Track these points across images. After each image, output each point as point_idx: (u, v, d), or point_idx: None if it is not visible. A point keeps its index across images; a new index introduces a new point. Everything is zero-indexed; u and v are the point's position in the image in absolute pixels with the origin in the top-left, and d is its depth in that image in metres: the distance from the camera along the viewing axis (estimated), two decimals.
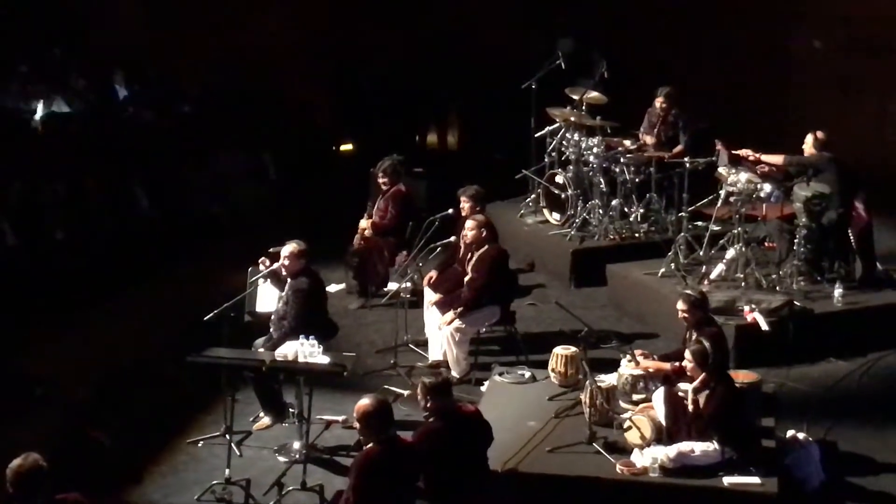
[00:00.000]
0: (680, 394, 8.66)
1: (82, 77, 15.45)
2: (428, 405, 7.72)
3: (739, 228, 11.31)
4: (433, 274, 11.16)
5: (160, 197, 14.30)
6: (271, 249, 9.86)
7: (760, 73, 14.66)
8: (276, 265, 9.65)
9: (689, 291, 9.37)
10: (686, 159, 12.20)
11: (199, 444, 9.42)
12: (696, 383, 8.35)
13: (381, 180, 12.31)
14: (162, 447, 9.41)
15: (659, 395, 8.66)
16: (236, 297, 9.51)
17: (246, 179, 15.67)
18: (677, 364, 8.88)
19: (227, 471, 8.71)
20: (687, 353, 8.48)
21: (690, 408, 8.34)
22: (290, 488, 8.62)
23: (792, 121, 14.03)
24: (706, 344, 8.55)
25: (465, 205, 11.26)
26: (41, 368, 10.46)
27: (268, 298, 9.93)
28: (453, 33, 17.36)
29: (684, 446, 8.22)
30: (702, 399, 8.32)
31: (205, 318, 9.11)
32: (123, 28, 16.26)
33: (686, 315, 9.07)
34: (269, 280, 9.84)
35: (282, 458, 9.17)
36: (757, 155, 11.45)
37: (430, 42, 17.51)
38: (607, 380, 9.17)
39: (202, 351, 8.92)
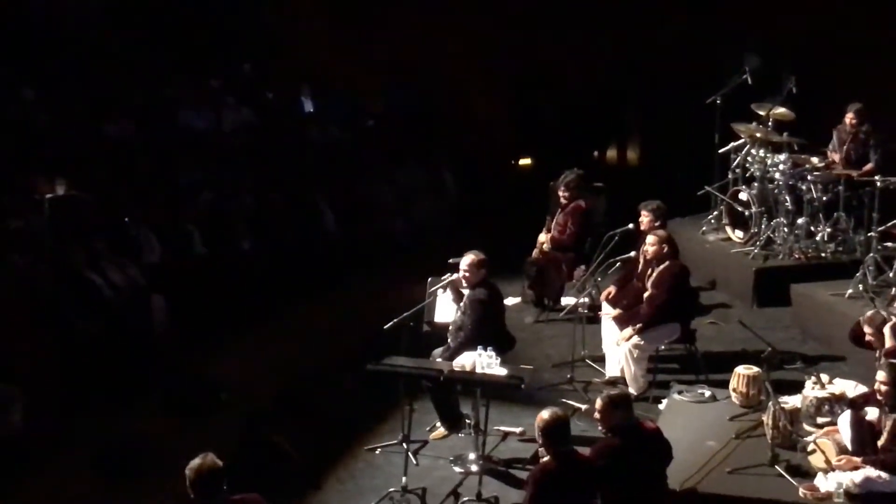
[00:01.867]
0: (867, 418, 8.39)
1: (270, 91, 15.84)
2: (607, 420, 7.64)
3: None
4: (612, 289, 11.07)
5: (344, 211, 14.53)
6: (452, 260, 9.93)
7: None
8: (455, 275, 9.71)
9: (870, 313, 9.08)
10: (877, 178, 11.83)
11: (377, 452, 9.54)
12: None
13: (562, 194, 12.29)
14: (340, 454, 9.56)
15: (845, 418, 8.41)
16: (415, 307, 9.60)
17: (426, 194, 15.81)
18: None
19: (403, 479, 8.79)
20: (879, 374, 8.18)
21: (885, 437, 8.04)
22: (466, 499, 8.67)
23: None
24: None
25: (644, 219, 11.17)
26: (226, 374, 10.73)
27: (446, 309, 9.97)
28: (636, 48, 17.23)
29: (871, 471, 7.95)
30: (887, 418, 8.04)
31: (384, 328, 9.21)
32: (310, 45, 16.62)
33: (872, 338, 8.78)
34: (448, 291, 9.89)
35: (457, 469, 9.20)
36: None
37: (613, 56, 17.42)
38: (791, 401, 8.96)
39: (381, 360, 9.02)
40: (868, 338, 8.91)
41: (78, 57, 15.01)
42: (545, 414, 7.28)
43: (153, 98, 14.88)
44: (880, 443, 8.10)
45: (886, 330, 8.76)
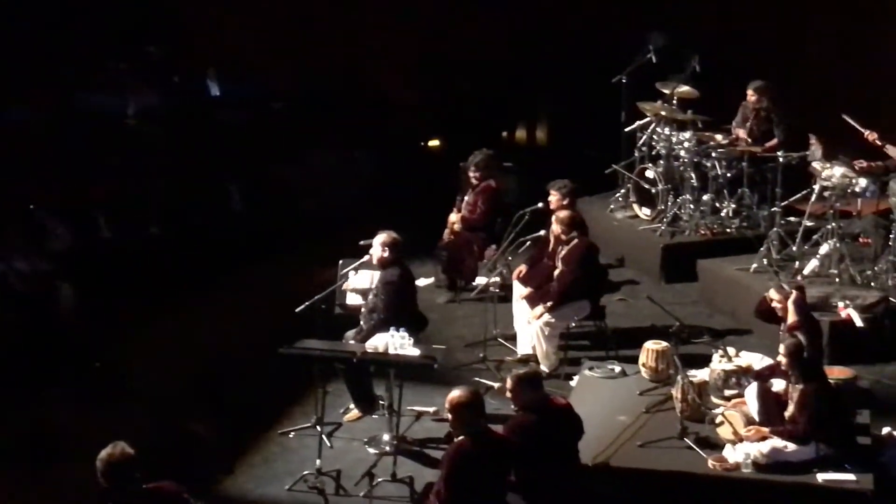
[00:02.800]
0: (773, 389, 8.58)
1: (177, 74, 15.65)
2: (519, 398, 7.71)
3: (834, 223, 11.14)
4: (523, 268, 11.15)
5: (253, 194, 14.44)
6: (362, 243, 9.91)
7: (857, 68, 14.39)
8: (366, 257, 9.70)
9: (784, 286, 9.26)
10: (780, 154, 12.03)
11: (291, 436, 9.52)
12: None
13: (472, 174, 12.34)
14: (254, 438, 9.52)
15: (752, 390, 8.58)
16: (327, 290, 9.58)
17: (338, 176, 15.75)
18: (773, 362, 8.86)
19: (318, 461, 8.78)
20: (781, 348, 8.37)
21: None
22: (381, 479, 8.66)
23: (890, 118, 13.75)
24: (801, 339, 8.45)
25: (553, 198, 11.26)
26: (134, 361, 10.64)
27: (358, 291, 9.96)
28: (542, 28, 17.30)
29: (778, 442, 8.12)
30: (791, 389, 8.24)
31: (296, 310, 9.19)
32: (217, 26, 16.42)
33: (780, 307, 8.95)
34: (359, 273, 9.88)
35: (372, 450, 9.23)
36: (882, 142, 11.24)
37: (519, 37, 17.47)
38: (699, 375, 9.11)
39: (294, 343, 8.99)
40: (778, 309, 9.06)
41: None
42: (456, 392, 7.32)
43: (57, 81, 14.61)
44: (787, 414, 8.27)
45: (790, 304, 8.95)
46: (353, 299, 10.02)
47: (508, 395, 7.81)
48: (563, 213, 10.70)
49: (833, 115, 13.46)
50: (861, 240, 11.65)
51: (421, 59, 17.50)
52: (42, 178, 12.76)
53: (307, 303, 9.19)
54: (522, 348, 10.67)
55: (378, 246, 9.60)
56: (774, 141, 12.69)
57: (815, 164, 11.47)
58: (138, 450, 6.64)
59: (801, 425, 8.11)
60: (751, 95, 12.88)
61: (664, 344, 9.53)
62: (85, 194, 12.87)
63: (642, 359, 9.72)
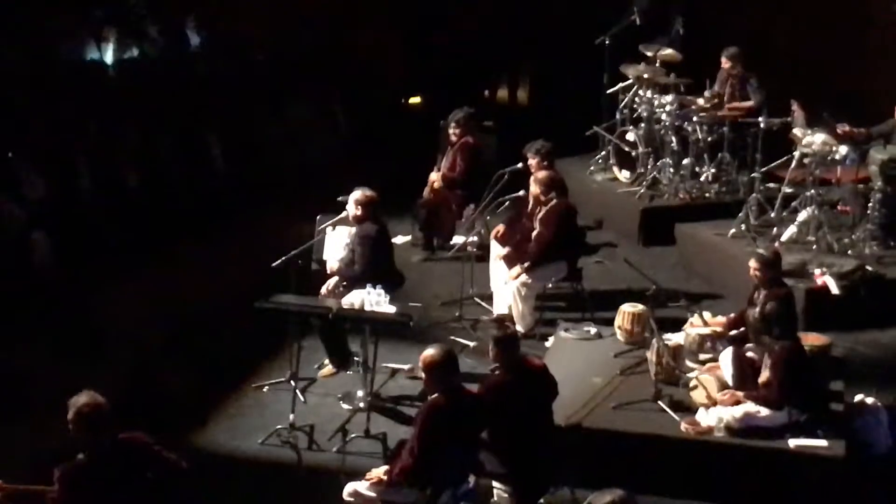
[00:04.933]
0: (748, 354, 8.60)
1: (155, 24, 15.48)
2: (496, 357, 7.70)
3: (813, 191, 11.15)
4: (501, 228, 11.13)
5: (232, 147, 14.34)
6: (340, 199, 9.88)
7: (839, 35, 14.36)
8: (343, 213, 9.67)
9: (761, 250, 9.25)
10: (761, 119, 12.01)
11: (265, 390, 9.52)
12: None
13: (452, 131, 12.29)
14: (228, 391, 9.53)
15: (726, 354, 8.60)
16: (304, 245, 9.54)
17: (317, 131, 15.66)
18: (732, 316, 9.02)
19: (291, 416, 8.80)
20: (751, 262, 8.69)
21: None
22: (354, 435, 8.71)
23: (871, 84, 13.74)
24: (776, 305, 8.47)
25: (531, 161, 11.21)
26: (111, 311, 10.58)
27: (335, 247, 9.92)
28: None
29: (751, 407, 8.15)
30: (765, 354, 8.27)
31: (273, 265, 9.15)
32: None
33: (758, 273, 8.95)
34: (337, 229, 9.84)
35: (345, 406, 9.23)
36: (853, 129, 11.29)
37: None
38: (674, 338, 9.12)
39: (270, 298, 8.96)
40: (753, 272, 9.05)
41: None
42: (430, 351, 7.30)
43: (34, 30, 14.44)
44: (760, 379, 8.29)
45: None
46: (329, 254, 9.95)
47: (489, 353, 7.79)
48: (542, 174, 10.67)
49: (816, 81, 13.52)
50: (839, 207, 11.66)
51: (400, 14, 17.38)
52: (20, 127, 12.62)
53: (284, 258, 9.15)
54: (498, 308, 10.67)
55: (352, 203, 9.57)
56: (749, 103, 12.63)
57: (796, 131, 11.45)
58: (111, 400, 6.60)
59: (773, 389, 8.13)
60: (725, 62, 12.82)
61: (640, 307, 9.53)
62: (64, 144, 12.73)
63: (618, 321, 9.72)
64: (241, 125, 14.67)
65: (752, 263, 8.96)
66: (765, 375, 8.25)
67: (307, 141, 15.34)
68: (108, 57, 14.60)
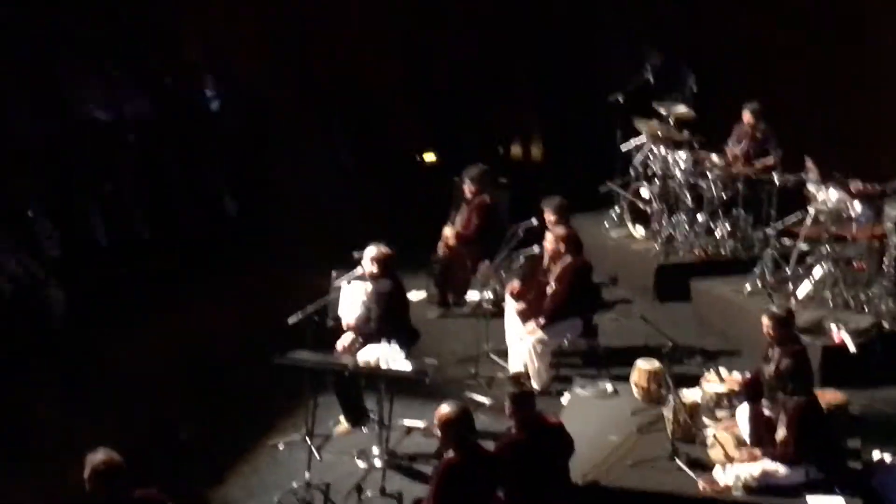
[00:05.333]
0: (765, 412, 8.56)
1: (173, 80, 15.61)
2: (511, 415, 7.69)
3: (828, 247, 11.13)
4: (516, 284, 11.12)
5: (246, 200, 14.41)
6: (355, 254, 9.89)
7: (853, 92, 14.42)
8: (359, 269, 9.68)
9: (774, 308, 9.24)
10: (775, 176, 12.03)
11: (280, 447, 9.48)
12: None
13: (467, 188, 12.33)
14: (244, 448, 9.50)
15: (743, 412, 8.57)
16: (319, 300, 9.55)
17: (332, 185, 15.72)
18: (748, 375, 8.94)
19: (307, 474, 8.76)
20: (764, 319, 8.56)
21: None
22: (369, 494, 8.66)
23: (885, 140, 13.77)
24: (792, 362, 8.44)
25: (549, 217, 11.23)
26: (126, 365, 10.60)
27: (351, 303, 9.92)
28: (541, 45, 17.33)
29: (769, 465, 8.11)
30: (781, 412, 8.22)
31: (289, 321, 9.16)
32: (211, 34, 16.37)
33: (770, 332, 8.93)
34: (352, 284, 9.85)
35: (361, 463, 9.19)
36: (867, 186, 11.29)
37: (517, 53, 17.51)
38: (690, 396, 9.09)
39: (286, 352, 8.96)
40: (766, 330, 9.03)
41: None
42: (446, 408, 7.29)
43: (53, 86, 14.58)
44: (777, 437, 8.25)
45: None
46: (345, 311, 9.94)
47: (500, 411, 7.78)
48: (559, 231, 10.68)
49: (829, 138, 13.55)
50: (855, 264, 11.62)
51: (417, 71, 17.50)
52: (36, 182, 12.73)
53: (300, 313, 9.16)
54: (514, 365, 10.64)
55: (368, 259, 9.59)
56: (770, 159, 12.67)
57: (811, 188, 11.46)
58: (125, 454, 6.61)
59: (790, 447, 8.09)
60: (746, 117, 12.88)
61: (656, 364, 9.52)
62: (78, 198, 12.84)
63: (634, 378, 9.71)
64: (254, 177, 14.75)
65: (765, 321, 8.94)
66: (781, 433, 8.21)
67: (322, 193, 15.41)
68: (126, 112, 14.72)
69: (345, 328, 9.81)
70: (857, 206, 11.07)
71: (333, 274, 10.05)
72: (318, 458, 9.22)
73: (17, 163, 12.88)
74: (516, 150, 18.13)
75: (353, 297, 9.87)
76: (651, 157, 13.09)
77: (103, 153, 13.80)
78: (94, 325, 11.18)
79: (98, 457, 6.55)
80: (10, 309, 10.70)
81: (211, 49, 16.24)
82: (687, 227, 12.64)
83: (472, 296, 11.81)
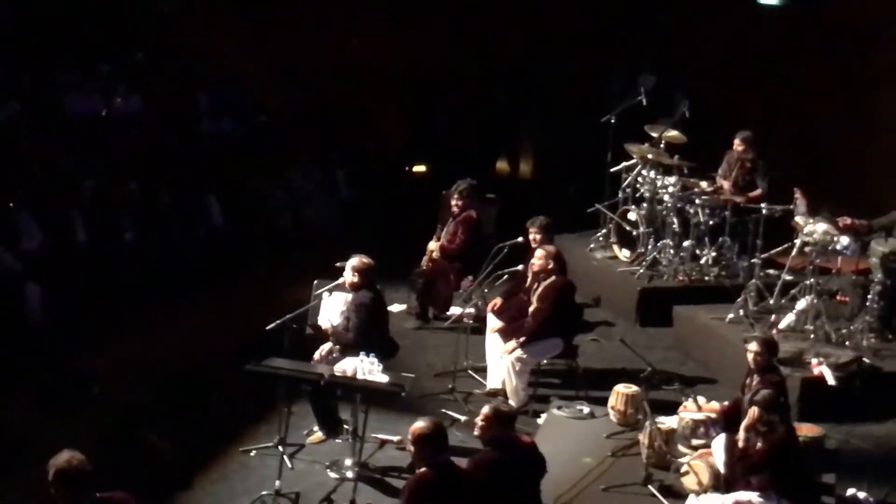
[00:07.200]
0: (740, 443, 8.50)
1: (163, 81, 15.57)
2: (484, 433, 7.62)
3: (812, 279, 11.10)
4: (498, 301, 11.08)
5: (232, 207, 14.35)
6: (338, 264, 9.84)
7: (844, 125, 14.43)
8: (341, 279, 9.63)
9: (762, 334, 9.21)
10: (763, 205, 12.01)
11: (252, 454, 9.40)
12: (747, 421, 8.10)
13: (454, 202, 12.29)
14: (214, 454, 9.40)
15: (719, 441, 8.51)
16: (299, 309, 9.49)
17: (318, 195, 15.68)
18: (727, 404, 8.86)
19: (277, 482, 8.68)
20: (758, 397, 8.27)
21: (741, 445, 8.12)
22: None
23: (872, 176, 13.79)
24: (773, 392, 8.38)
25: (532, 235, 11.20)
26: (102, 367, 10.51)
27: (330, 312, 9.86)
28: (533, 62, 17.34)
29: (742, 496, 8.03)
30: (758, 442, 8.14)
31: (266, 328, 9.09)
32: (205, 37, 16.35)
33: (758, 358, 8.87)
34: (333, 294, 9.80)
35: (333, 474, 9.12)
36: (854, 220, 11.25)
37: (509, 69, 17.51)
38: (667, 422, 9.05)
39: (262, 360, 8.89)
40: (753, 356, 8.96)
41: None
42: (420, 423, 7.23)
43: (43, 81, 14.52)
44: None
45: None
46: (324, 320, 9.89)
47: (477, 429, 7.70)
48: (546, 249, 10.63)
49: (817, 171, 13.54)
50: (839, 297, 11.61)
51: (408, 82, 17.49)
52: (21, 177, 12.64)
53: (278, 321, 9.09)
54: (492, 382, 10.59)
55: (349, 270, 9.55)
56: (758, 192, 12.67)
57: (798, 219, 11.43)
58: (93, 458, 6.52)
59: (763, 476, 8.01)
60: (738, 145, 12.87)
61: (635, 388, 9.48)
62: (63, 196, 12.75)
63: (611, 401, 9.66)
64: (241, 186, 14.68)
65: (754, 347, 8.90)
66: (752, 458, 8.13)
67: (308, 203, 15.36)
68: (114, 111, 14.66)
69: (323, 336, 9.75)
70: (843, 240, 11.03)
71: (315, 283, 9.99)
72: (290, 466, 9.15)
73: (2, 155, 12.81)
74: (503, 165, 18.14)
75: (333, 307, 9.81)
76: (640, 181, 13.05)
77: (89, 148, 13.71)
78: (70, 324, 11.07)
79: (62, 458, 6.42)
80: None
81: (206, 53, 16.22)
82: (672, 252, 12.61)
83: (454, 310, 11.74)
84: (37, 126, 13.68)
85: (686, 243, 12.62)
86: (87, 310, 11.25)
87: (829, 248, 11.07)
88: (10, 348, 10.36)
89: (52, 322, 11.07)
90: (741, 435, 8.12)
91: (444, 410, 10.12)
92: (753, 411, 8.09)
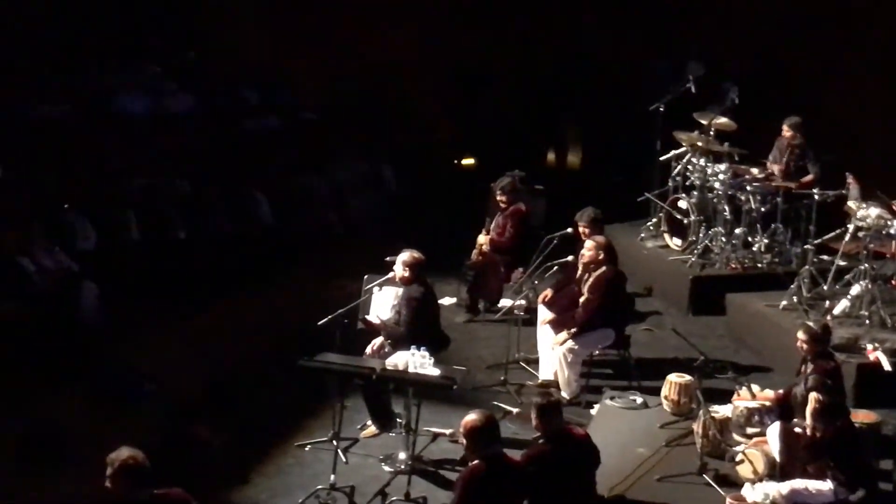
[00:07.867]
0: (796, 430, 8.44)
1: (212, 79, 15.67)
2: (537, 426, 7.62)
3: (866, 264, 10.99)
4: (549, 292, 11.06)
5: (281, 203, 14.43)
6: (388, 259, 9.87)
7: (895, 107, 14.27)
8: (391, 273, 9.66)
9: (811, 323, 9.13)
10: (815, 191, 11.90)
11: (307, 449, 9.45)
12: (812, 406, 8.04)
13: (499, 198, 12.28)
14: (269, 449, 9.46)
15: (774, 429, 8.45)
16: (350, 304, 9.53)
17: (365, 189, 15.73)
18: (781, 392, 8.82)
19: (332, 476, 8.72)
20: (799, 333, 8.35)
21: (808, 433, 8.06)
22: (394, 498, 8.62)
23: None
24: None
25: (583, 229, 11.16)
26: (156, 364, 10.60)
27: (381, 307, 9.89)
28: (577, 51, 17.28)
29: (798, 483, 7.99)
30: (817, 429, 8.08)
31: (318, 323, 9.13)
32: (251, 33, 16.43)
33: (805, 346, 8.83)
34: (383, 289, 9.83)
35: (387, 468, 9.14)
36: None
37: (554, 59, 17.45)
38: (721, 411, 8.99)
39: (314, 355, 8.93)
40: (800, 344, 8.93)
41: (11, 37, 14.76)
42: (472, 416, 7.24)
43: (90, 81, 14.65)
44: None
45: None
46: (375, 315, 9.93)
47: (527, 420, 7.71)
48: (596, 240, 10.60)
49: (873, 153, 13.39)
50: (893, 282, 11.48)
51: (455, 75, 17.47)
52: (74, 177, 12.79)
53: (330, 316, 9.13)
54: (544, 373, 10.58)
55: (400, 264, 9.57)
56: (809, 177, 12.57)
57: (851, 203, 11.33)
58: (150, 454, 6.59)
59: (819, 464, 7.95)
60: (786, 131, 12.77)
61: (687, 377, 9.43)
62: (115, 195, 12.89)
63: (665, 391, 9.62)
64: (289, 181, 14.76)
65: (800, 335, 8.86)
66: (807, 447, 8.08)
67: (355, 198, 15.41)
68: (164, 110, 14.77)
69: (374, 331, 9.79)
70: None
71: (365, 278, 10.03)
72: (345, 460, 9.18)
73: (56, 156, 12.96)
74: (552, 157, 18.08)
75: (384, 302, 9.84)
76: (690, 169, 12.97)
77: (141, 149, 13.84)
78: (125, 322, 11.18)
79: (122, 453, 6.51)
80: (43, 302, 10.71)
81: (253, 51, 16.31)
82: (724, 239, 12.52)
83: (505, 302, 11.73)
84: (88, 126, 13.81)
85: (738, 231, 12.53)
86: (140, 308, 11.34)
87: (883, 232, 10.98)
88: (66, 347, 10.47)
89: (107, 320, 11.17)
90: (808, 422, 8.05)
91: (495, 403, 10.12)
92: (816, 397, 8.03)
